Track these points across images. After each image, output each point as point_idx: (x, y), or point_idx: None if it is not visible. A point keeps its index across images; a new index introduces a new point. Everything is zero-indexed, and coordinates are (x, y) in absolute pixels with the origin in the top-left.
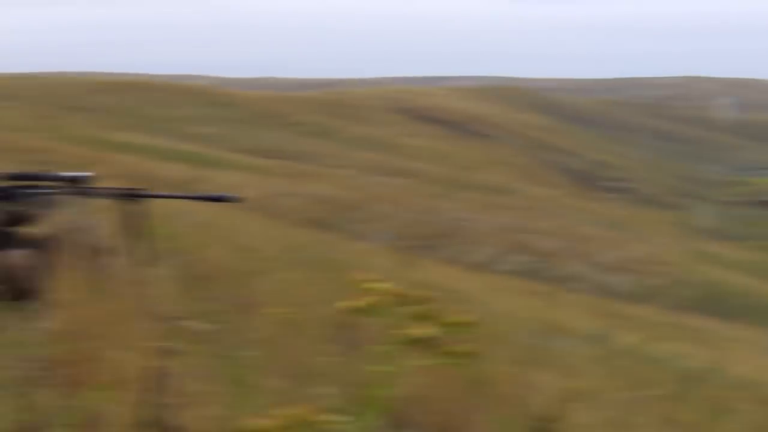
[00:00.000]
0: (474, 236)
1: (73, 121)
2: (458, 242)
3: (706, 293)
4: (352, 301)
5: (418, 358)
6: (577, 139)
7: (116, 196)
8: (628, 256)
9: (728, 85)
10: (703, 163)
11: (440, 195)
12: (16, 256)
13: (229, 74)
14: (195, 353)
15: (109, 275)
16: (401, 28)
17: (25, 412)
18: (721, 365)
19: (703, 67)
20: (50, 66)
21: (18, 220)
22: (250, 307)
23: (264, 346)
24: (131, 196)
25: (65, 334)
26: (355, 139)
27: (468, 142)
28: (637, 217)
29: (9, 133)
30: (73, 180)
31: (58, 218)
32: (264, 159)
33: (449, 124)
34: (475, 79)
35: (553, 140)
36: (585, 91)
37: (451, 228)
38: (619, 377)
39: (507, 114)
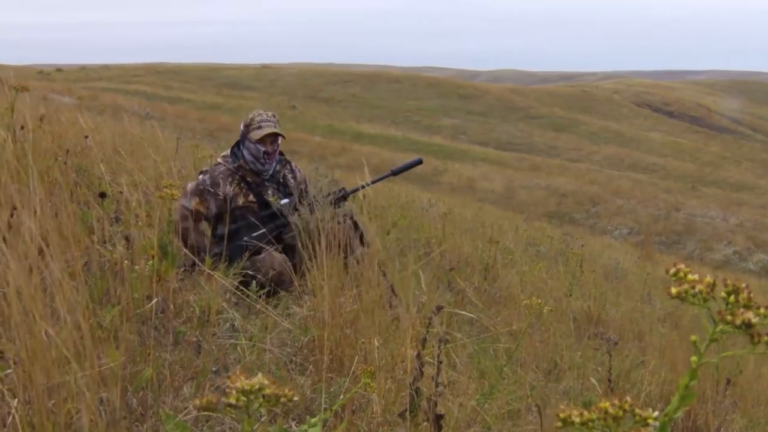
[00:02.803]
0: (715, 234)
1: (316, 112)
2: (699, 239)
3: None
4: (674, 288)
5: (740, 347)
6: None
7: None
8: None
9: None
10: None
11: (682, 191)
12: (277, 255)
13: (471, 66)
14: (452, 342)
15: (363, 265)
16: (645, 19)
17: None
18: None
19: None
20: (291, 57)
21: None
22: (500, 299)
23: (517, 338)
24: (340, 198)
25: (321, 321)
26: (596, 133)
27: (711, 138)
28: None
29: None
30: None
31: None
32: (505, 152)
33: (692, 119)
34: (719, 73)
35: None
36: None
37: (692, 225)
38: None
39: (751, 109)
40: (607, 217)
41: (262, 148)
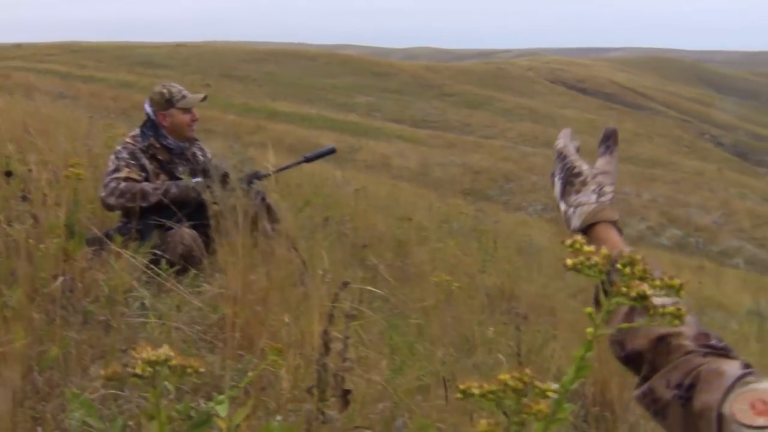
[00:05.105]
0: (629, 209)
1: (231, 90)
2: None
3: None
4: (570, 259)
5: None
6: (733, 112)
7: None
8: None
9: None
10: None
11: None
12: (186, 231)
13: (386, 44)
14: (360, 319)
15: (273, 242)
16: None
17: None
18: None
19: None
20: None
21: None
22: (412, 275)
23: (427, 314)
24: (254, 178)
25: (232, 299)
26: (511, 110)
27: (625, 114)
28: None
29: None
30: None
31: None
32: (420, 129)
33: (605, 96)
34: (633, 50)
35: (709, 113)
36: (743, 64)
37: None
38: None
39: (663, 86)
40: (522, 193)
41: (192, 116)
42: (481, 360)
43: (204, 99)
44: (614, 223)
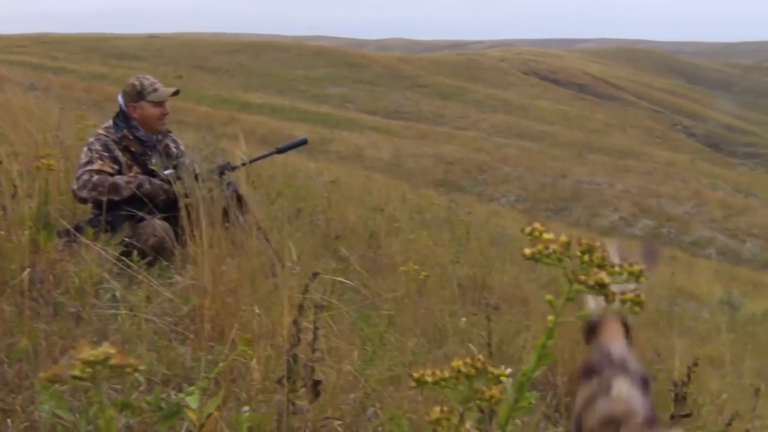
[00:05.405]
0: (601, 200)
1: (203, 82)
2: (585, 206)
3: None
4: (528, 248)
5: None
6: (706, 103)
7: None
8: (757, 221)
9: None
10: None
11: (569, 158)
12: (158, 223)
13: (359, 35)
14: (331, 309)
15: (244, 233)
16: None
17: (164, 365)
18: None
19: None
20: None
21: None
22: (384, 266)
23: (399, 304)
24: (225, 169)
25: (203, 290)
26: (484, 101)
27: (597, 105)
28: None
29: None
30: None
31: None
32: (393, 120)
33: (579, 87)
34: (605, 41)
35: (682, 104)
36: (715, 55)
37: (579, 191)
38: (749, 344)
39: (635, 77)
40: (495, 184)
41: (162, 110)
42: (452, 350)
43: (176, 93)
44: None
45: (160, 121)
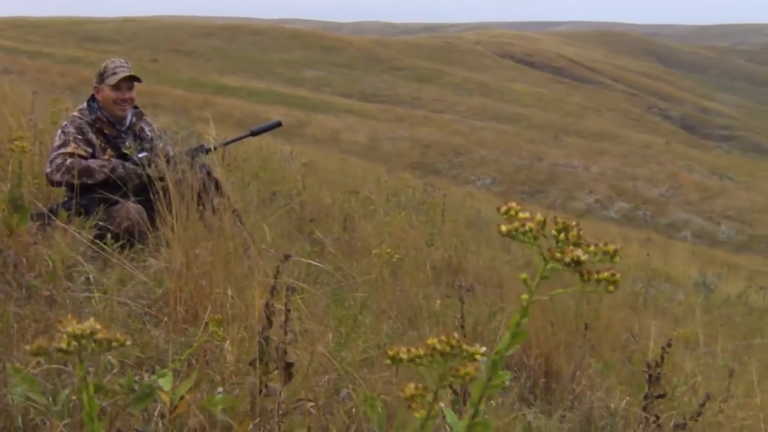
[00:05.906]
0: (577, 183)
1: (179, 65)
2: (561, 188)
3: None
4: (504, 226)
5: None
6: (682, 86)
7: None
8: (732, 204)
9: None
10: None
11: (545, 141)
12: (132, 206)
13: (334, 18)
14: (304, 292)
15: (219, 216)
16: None
17: (137, 347)
18: None
19: None
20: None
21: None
22: (359, 249)
23: (373, 287)
24: (199, 152)
25: (176, 273)
26: (460, 84)
27: (573, 88)
28: (743, 165)
29: None
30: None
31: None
32: (369, 103)
33: (555, 70)
34: (581, 24)
35: (657, 86)
36: (691, 37)
37: (555, 174)
38: (723, 325)
39: (611, 59)
40: (471, 167)
41: (119, 95)
42: (427, 332)
43: (132, 78)
44: None
45: (118, 105)
